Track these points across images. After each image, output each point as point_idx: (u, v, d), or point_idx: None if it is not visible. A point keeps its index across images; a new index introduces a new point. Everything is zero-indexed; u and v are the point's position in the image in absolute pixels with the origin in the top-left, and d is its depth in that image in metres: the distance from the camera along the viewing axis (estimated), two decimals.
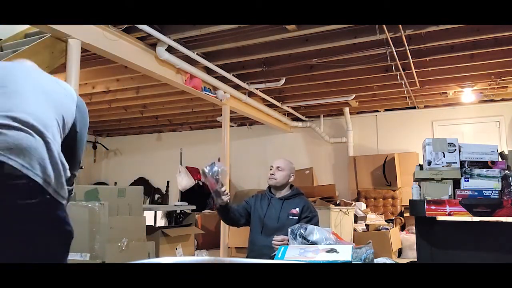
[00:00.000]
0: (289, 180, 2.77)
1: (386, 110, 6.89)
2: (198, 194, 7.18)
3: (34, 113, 1.23)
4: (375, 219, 5.62)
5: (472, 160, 2.22)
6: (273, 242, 2.38)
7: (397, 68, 4.55)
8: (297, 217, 2.61)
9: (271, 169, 2.78)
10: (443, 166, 2.23)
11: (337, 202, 5.23)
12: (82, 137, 1.45)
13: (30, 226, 1.12)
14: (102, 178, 8.61)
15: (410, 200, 2.31)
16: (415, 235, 2.40)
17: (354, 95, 5.79)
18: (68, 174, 1.28)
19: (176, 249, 4.19)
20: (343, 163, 6.95)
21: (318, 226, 2.54)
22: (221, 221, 5.13)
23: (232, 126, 7.32)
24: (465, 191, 2.17)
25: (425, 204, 2.16)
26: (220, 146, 5.51)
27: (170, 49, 3.96)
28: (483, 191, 2.15)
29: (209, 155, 7.57)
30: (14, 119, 1.18)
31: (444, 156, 2.24)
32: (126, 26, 3.48)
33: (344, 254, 1.58)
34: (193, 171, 7.19)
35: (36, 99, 1.29)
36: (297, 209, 2.64)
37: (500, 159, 2.24)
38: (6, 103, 1.22)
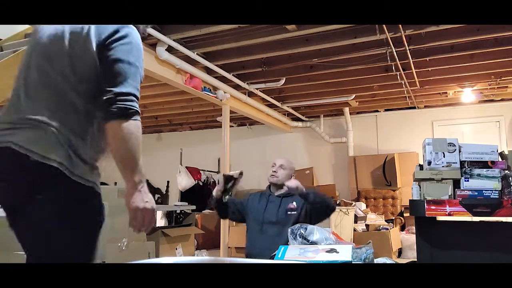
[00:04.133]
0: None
1: (386, 110, 6.89)
2: (198, 194, 7.19)
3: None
4: (375, 219, 5.61)
5: (472, 160, 2.22)
6: (287, 184, 2.47)
7: (397, 68, 4.55)
8: (295, 212, 2.60)
9: (273, 166, 2.78)
10: (443, 166, 2.23)
11: (337, 202, 5.22)
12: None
13: None
14: (102, 178, 8.58)
15: (410, 200, 2.31)
16: (415, 235, 2.40)
17: (354, 95, 5.79)
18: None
19: (176, 249, 4.19)
20: (343, 163, 6.95)
21: None
22: (221, 220, 5.15)
23: (232, 126, 7.32)
24: (465, 191, 2.17)
25: (425, 204, 2.16)
26: (220, 146, 5.51)
27: (170, 49, 3.96)
28: (483, 191, 2.15)
29: (209, 155, 7.60)
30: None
31: (444, 156, 2.24)
32: None
33: (344, 254, 1.58)
34: (193, 171, 7.19)
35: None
36: (294, 203, 2.63)
37: (500, 159, 2.24)
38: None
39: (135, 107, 1.34)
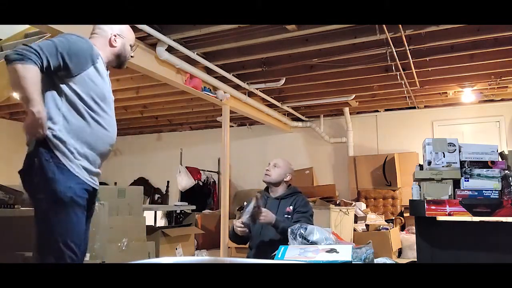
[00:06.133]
0: (285, 179, 2.74)
1: (386, 110, 6.89)
2: (198, 194, 7.19)
3: None
4: (375, 219, 5.61)
5: (472, 160, 2.22)
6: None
7: (397, 68, 4.55)
8: (289, 216, 2.60)
9: (268, 166, 2.78)
10: (443, 166, 2.23)
11: (337, 202, 5.22)
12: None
13: None
14: (102, 178, 8.52)
15: (410, 200, 2.31)
16: (415, 235, 2.40)
17: (354, 95, 5.79)
18: None
19: (176, 249, 4.20)
20: (343, 163, 6.95)
21: (311, 222, 2.55)
22: (221, 220, 5.15)
23: (232, 126, 7.32)
24: (465, 191, 2.16)
25: (425, 204, 2.16)
26: (220, 146, 5.51)
27: (170, 49, 3.96)
28: (483, 191, 2.15)
29: (209, 155, 7.60)
30: None
31: (444, 156, 2.24)
32: None
33: (344, 254, 1.58)
34: (193, 171, 7.18)
35: None
36: (291, 207, 2.63)
37: (500, 159, 2.23)
38: None
39: (26, 55, 1.58)
